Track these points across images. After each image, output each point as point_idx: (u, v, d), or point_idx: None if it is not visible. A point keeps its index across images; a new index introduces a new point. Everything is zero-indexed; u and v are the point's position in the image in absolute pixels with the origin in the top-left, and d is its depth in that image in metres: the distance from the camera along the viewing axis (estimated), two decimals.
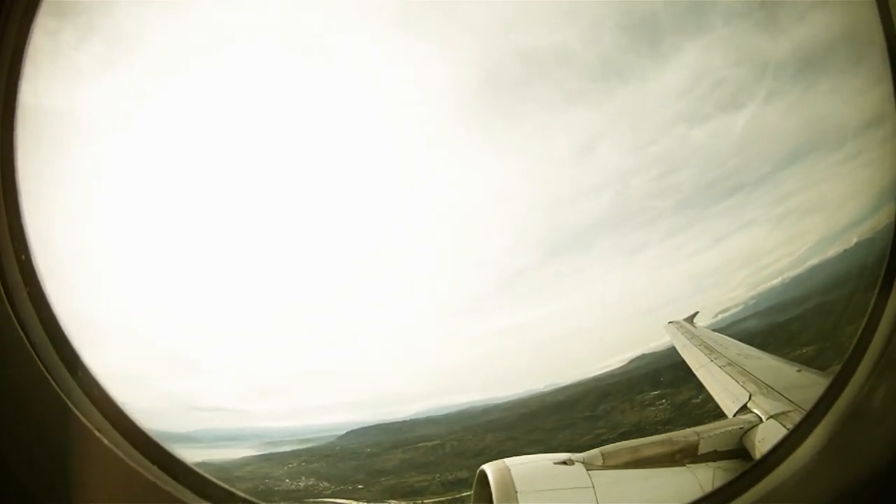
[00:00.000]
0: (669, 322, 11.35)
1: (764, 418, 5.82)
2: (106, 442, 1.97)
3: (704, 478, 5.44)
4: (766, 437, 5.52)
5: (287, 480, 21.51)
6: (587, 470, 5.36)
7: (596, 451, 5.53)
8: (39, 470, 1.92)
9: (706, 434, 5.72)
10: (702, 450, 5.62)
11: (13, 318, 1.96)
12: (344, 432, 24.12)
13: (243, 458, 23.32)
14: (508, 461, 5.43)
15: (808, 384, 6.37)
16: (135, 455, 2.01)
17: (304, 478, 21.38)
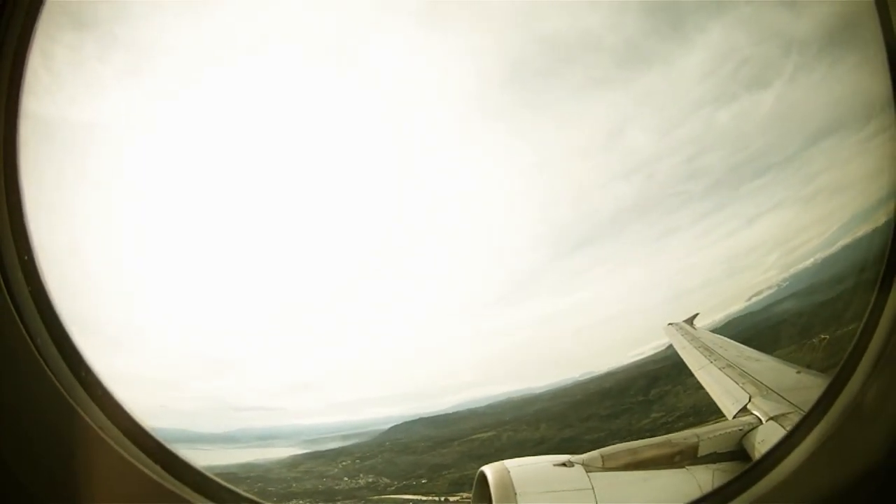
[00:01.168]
0: (669, 323, 11.33)
1: (764, 420, 5.82)
2: (109, 441, 1.98)
3: (704, 479, 5.43)
4: (766, 439, 5.52)
5: (346, 479, 21.41)
6: (587, 471, 5.35)
7: (595, 452, 5.53)
8: (42, 469, 1.93)
9: (706, 436, 5.72)
10: (701, 451, 5.61)
11: (16, 317, 1.96)
12: (388, 427, 24.19)
13: (291, 456, 23.25)
14: (508, 463, 5.42)
15: (809, 386, 6.37)
16: (138, 454, 2.01)
17: (362, 475, 21.32)
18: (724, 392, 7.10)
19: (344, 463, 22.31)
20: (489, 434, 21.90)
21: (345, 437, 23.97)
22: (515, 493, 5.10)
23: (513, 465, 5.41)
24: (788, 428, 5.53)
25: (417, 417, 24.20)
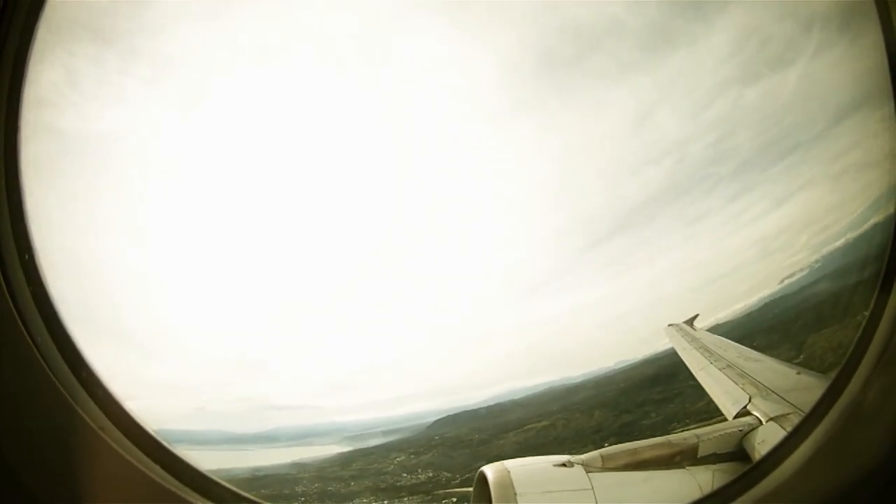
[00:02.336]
0: (669, 325, 11.34)
1: (764, 421, 5.82)
2: (109, 441, 1.97)
3: (704, 480, 5.43)
4: (765, 440, 5.52)
5: (405, 475, 21.29)
6: (586, 472, 5.36)
7: (595, 452, 5.53)
8: (42, 470, 1.92)
9: (706, 436, 5.72)
10: (701, 452, 5.61)
11: (16, 317, 1.96)
12: (430, 421, 24.04)
13: (338, 454, 23.21)
14: (508, 463, 5.42)
15: (808, 386, 6.36)
16: (138, 455, 2.01)
17: (420, 470, 21.16)
18: (724, 393, 7.10)
19: (398, 459, 22.23)
20: (544, 423, 21.75)
21: (385, 434, 23.96)
22: (515, 494, 5.10)
23: (513, 465, 5.41)
24: (788, 429, 5.54)
25: (460, 411, 24.18)
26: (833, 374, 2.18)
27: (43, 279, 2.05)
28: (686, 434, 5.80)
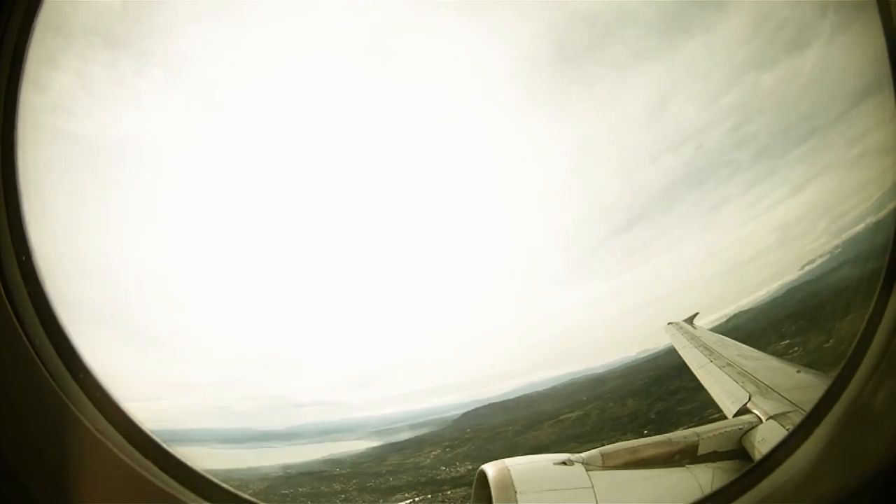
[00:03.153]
0: (669, 323, 11.33)
1: (764, 419, 5.82)
2: (106, 443, 1.97)
3: (704, 478, 5.43)
4: (765, 438, 5.52)
5: (443, 468, 21.24)
6: (587, 470, 5.35)
7: (595, 451, 5.53)
8: (40, 470, 1.92)
9: (706, 435, 5.72)
10: (701, 450, 5.62)
11: (14, 318, 1.96)
12: (459, 414, 24.30)
13: (370, 449, 23.39)
14: (508, 462, 5.42)
15: (808, 385, 6.36)
16: (135, 456, 2.01)
17: (458, 463, 21.17)
18: (724, 391, 7.11)
19: (434, 453, 22.23)
20: (578, 413, 21.73)
21: (413, 427, 24.12)
22: (516, 492, 5.10)
23: (513, 463, 5.41)
24: (788, 427, 5.55)
25: (487, 404, 24.27)
26: (834, 374, 2.17)
27: (41, 281, 2.04)
28: (686, 432, 5.80)
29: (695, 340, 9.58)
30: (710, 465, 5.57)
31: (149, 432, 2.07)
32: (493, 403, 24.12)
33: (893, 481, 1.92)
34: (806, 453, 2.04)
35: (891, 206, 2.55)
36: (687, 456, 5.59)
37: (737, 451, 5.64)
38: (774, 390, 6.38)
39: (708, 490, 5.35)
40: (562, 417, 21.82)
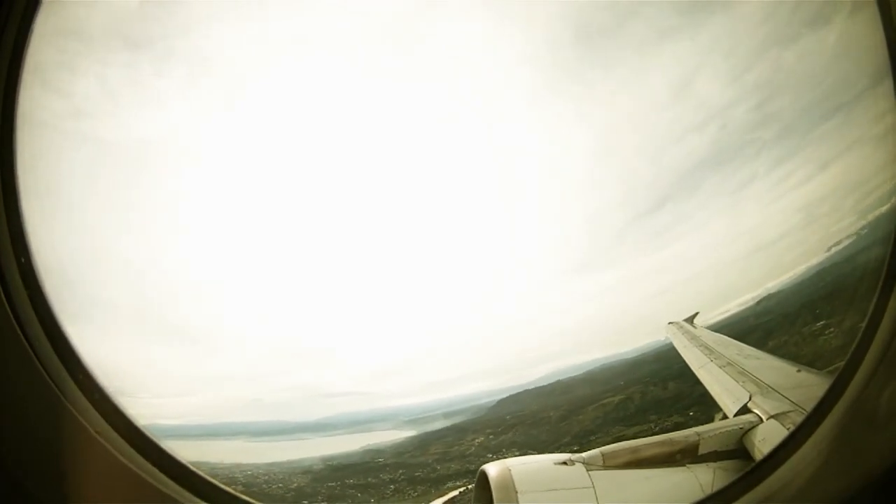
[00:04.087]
0: (669, 322, 11.33)
1: (764, 418, 5.81)
2: (105, 444, 1.97)
3: (705, 478, 5.43)
4: (766, 438, 5.51)
5: (490, 455, 20.87)
6: (587, 470, 5.35)
7: (596, 451, 5.52)
8: (39, 472, 1.92)
9: (706, 434, 5.72)
10: (702, 450, 5.61)
11: (13, 320, 1.95)
12: (494, 401, 23.99)
13: (408, 438, 23.22)
14: (509, 462, 5.43)
15: (809, 384, 6.35)
16: (134, 457, 2.01)
17: (504, 450, 20.98)
18: (725, 390, 7.10)
19: (478, 440, 22.06)
20: (620, 397, 21.53)
21: (447, 416, 23.89)
22: (517, 493, 5.10)
23: (514, 464, 5.41)
24: (789, 426, 5.54)
25: (522, 390, 24.05)
26: (835, 373, 2.17)
27: (40, 283, 2.04)
28: (687, 432, 5.79)
29: (695, 340, 9.58)
30: (711, 464, 5.56)
31: (148, 433, 2.07)
32: (528, 390, 23.93)
33: (895, 481, 1.91)
34: (807, 453, 2.03)
35: None
36: (688, 455, 5.58)
37: (737, 450, 5.64)
38: (775, 390, 6.37)
39: (709, 490, 5.35)
40: (604, 401, 21.56)
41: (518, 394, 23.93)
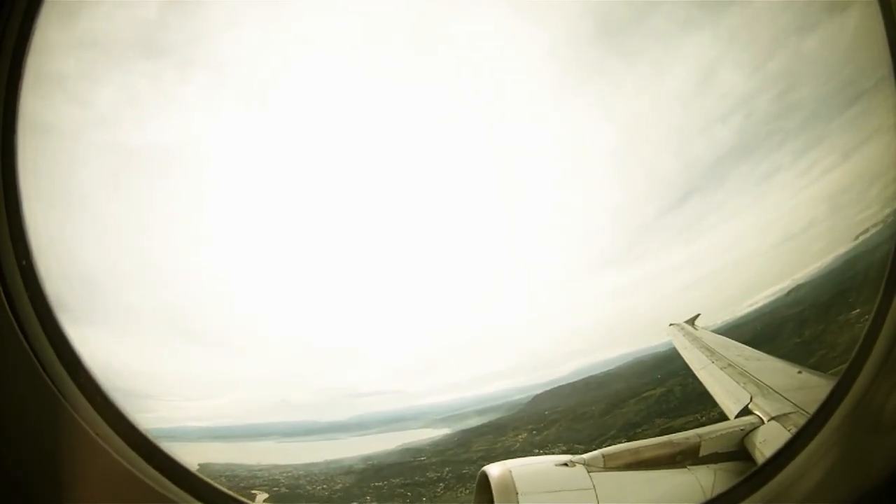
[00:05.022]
0: (671, 324, 11.34)
1: (765, 420, 5.81)
2: (105, 446, 1.97)
3: (705, 480, 5.43)
4: (767, 439, 5.51)
5: (537, 451, 20.96)
6: (588, 472, 5.35)
7: (597, 452, 5.52)
8: (40, 473, 1.92)
9: (707, 436, 5.71)
10: (703, 452, 5.61)
11: (13, 322, 1.95)
12: (529, 397, 23.95)
13: (446, 436, 23.12)
14: (510, 463, 5.42)
15: (810, 386, 6.35)
16: (135, 460, 2.00)
17: (550, 445, 20.94)
18: (726, 392, 7.10)
19: (521, 436, 22.00)
20: (661, 390, 21.27)
21: (480, 413, 23.83)
22: (517, 494, 5.09)
23: (515, 465, 5.41)
24: (790, 428, 5.53)
25: (556, 386, 24.00)
26: (837, 376, 2.16)
27: (41, 285, 2.04)
28: (688, 433, 5.79)
29: (696, 342, 9.58)
30: (712, 466, 5.56)
31: (148, 436, 2.07)
32: (562, 386, 23.86)
33: None
34: (811, 456, 2.03)
35: None
36: (688, 457, 5.58)
37: (738, 452, 5.63)
38: (776, 391, 6.37)
39: (710, 491, 5.34)
40: (645, 394, 21.41)
41: (551, 390, 23.86)
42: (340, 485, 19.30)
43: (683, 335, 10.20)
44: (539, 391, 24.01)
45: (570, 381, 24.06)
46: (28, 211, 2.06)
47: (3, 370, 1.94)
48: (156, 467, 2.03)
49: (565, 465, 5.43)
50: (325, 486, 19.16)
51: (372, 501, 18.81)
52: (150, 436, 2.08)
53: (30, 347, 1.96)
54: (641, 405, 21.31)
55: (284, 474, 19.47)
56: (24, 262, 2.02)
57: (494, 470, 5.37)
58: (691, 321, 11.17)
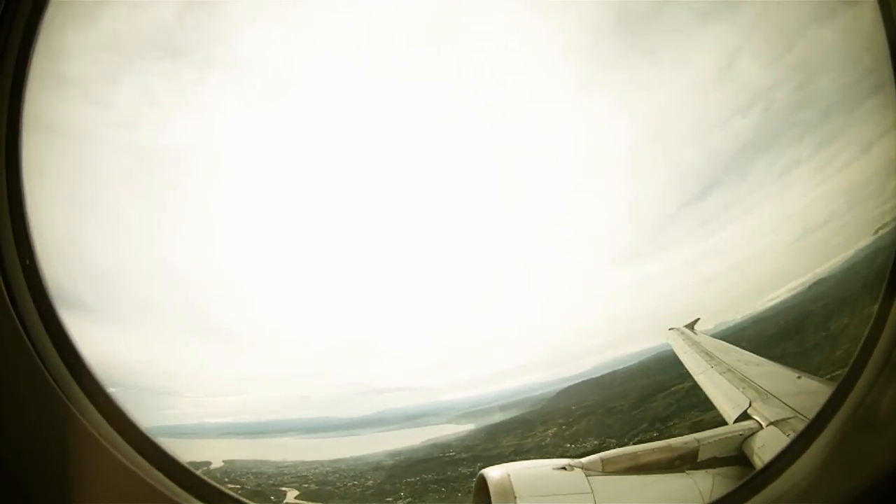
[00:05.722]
0: (670, 328, 11.34)
1: (764, 425, 5.81)
2: (109, 447, 1.97)
3: (704, 485, 5.43)
4: (766, 444, 5.51)
5: (569, 445, 20.87)
6: (586, 476, 5.35)
7: (596, 456, 5.52)
8: (43, 474, 1.92)
9: (706, 440, 5.71)
10: (701, 456, 5.61)
11: (16, 321, 1.96)
12: (553, 393, 23.80)
13: (472, 432, 23.08)
14: (509, 467, 5.42)
15: (809, 391, 6.35)
16: (138, 460, 2.01)
17: (581, 439, 20.89)
18: (725, 397, 7.09)
19: (550, 431, 21.88)
20: (689, 384, 21.11)
21: (503, 409, 23.75)
22: (515, 497, 5.09)
23: (513, 469, 5.40)
24: (789, 433, 5.53)
25: (580, 381, 23.86)
26: (837, 381, 2.17)
27: (44, 285, 2.05)
28: (686, 438, 5.79)
29: (696, 346, 9.58)
30: (711, 471, 5.56)
31: (151, 436, 2.07)
32: (585, 381, 23.74)
33: None
34: (810, 460, 2.03)
35: None
36: (687, 462, 5.58)
37: (737, 457, 5.63)
38: (775, 396, 6.37)
39: (708, 496, 5.34)
40: (673, 388, 21.03)
41: (576, 385, 23.71)
42: (371, 481, 19.24)
43: (683, 339, 10.21)
44: (561, 387, 23.93)
45: (593, 376, 24.01)
46: (34, 211, 2.07)
47: (5, 370, 1.94)
48: (157, 467, 2.03)
49: (564, 468, 5.42)
50: (357, 482, 19.09)
51: (406, 497, 18.73)
52: (151, 436, 2.08)
53: (33, 347, 1.97)
54: (671, 399, 21.05)
55: (312, 471, 19.43)
56: (27, 262, 2.03)
57: (493, 473, 5.37)
58: (691, 325, 11.17)
